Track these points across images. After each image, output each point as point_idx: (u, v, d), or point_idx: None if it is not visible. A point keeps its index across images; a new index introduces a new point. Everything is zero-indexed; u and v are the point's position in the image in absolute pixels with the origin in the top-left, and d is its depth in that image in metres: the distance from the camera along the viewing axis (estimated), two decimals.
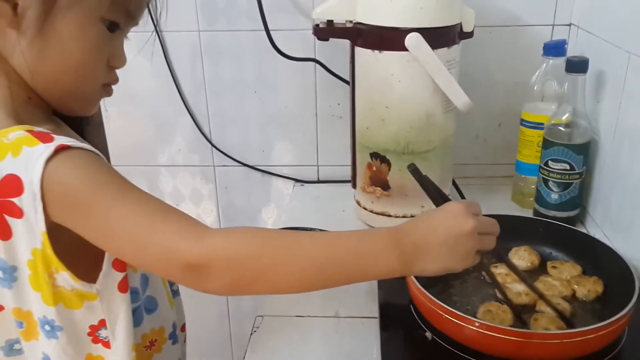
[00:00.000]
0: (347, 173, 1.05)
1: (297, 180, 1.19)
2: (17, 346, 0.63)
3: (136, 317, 0.63)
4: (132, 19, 0.61)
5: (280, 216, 1.21)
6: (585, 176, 0.93)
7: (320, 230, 0.83)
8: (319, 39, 0.94)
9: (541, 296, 0.69)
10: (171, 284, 0.74)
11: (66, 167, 0.52)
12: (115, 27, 0.59)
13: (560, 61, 0.92)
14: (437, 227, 0.56)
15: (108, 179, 0.54)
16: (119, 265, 0.59)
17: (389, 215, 0.95)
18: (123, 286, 0.60)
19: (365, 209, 0.98)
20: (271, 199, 1.22)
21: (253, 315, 0.78)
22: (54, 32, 0.55)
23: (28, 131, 0.54)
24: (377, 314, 0.75)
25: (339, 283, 0.57)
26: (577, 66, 0.88)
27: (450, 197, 0.92)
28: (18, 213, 0.53)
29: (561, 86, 0.92)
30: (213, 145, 1.17)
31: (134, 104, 1.15)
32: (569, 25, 1.04)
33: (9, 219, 0.54)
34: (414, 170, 0.63)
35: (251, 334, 0.75)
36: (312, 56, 1.08)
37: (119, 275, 0.59)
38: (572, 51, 1.02)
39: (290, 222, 0.99)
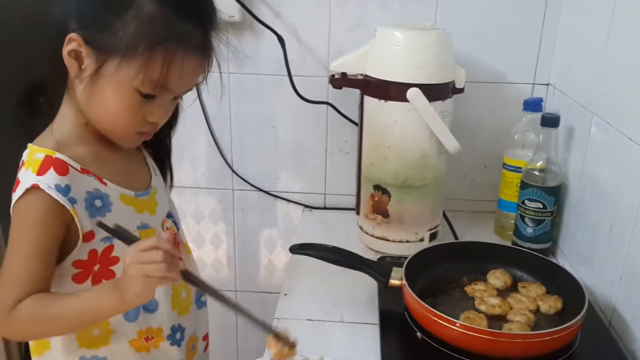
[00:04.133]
0: (350, 201, 1.20)
1: (306, 206, 1.33)
2: None
3: (134, 312, 0.77)
4: (170, 92, 0.73)
5: (289, 237, 1.35)
6: (557, 214, 1.08)
7: (331, 246, 0.96)
8: (334, 87, 1.09)
9: None
10: (199, 295, 0.88)
11: (23, 205, 0.71)
12: (150, 97, 0.73)
13: (538, 116, 1.07)
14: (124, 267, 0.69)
15: (24, 237, 0.71)
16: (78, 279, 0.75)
17: (387, 240, 1.10)
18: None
19: (367, 233, 1.13)
20: (281, 222, 1.36)
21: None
22: (98, 90, 0.72)
23: (47, 156, 0.71)
24: (377, 320, 0.88)
25: (87, 327, 0.76)
26: (550, 121, 1.04)
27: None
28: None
29: (537, 137, 1.07)
30: (234, 172, 1.32)
31: None
32: (547, 85, 1.20)
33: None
34: (105, 227, 0.71)
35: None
36: (325, 99, 1.23)
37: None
38: (549, 107, 1.18)
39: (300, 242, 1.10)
